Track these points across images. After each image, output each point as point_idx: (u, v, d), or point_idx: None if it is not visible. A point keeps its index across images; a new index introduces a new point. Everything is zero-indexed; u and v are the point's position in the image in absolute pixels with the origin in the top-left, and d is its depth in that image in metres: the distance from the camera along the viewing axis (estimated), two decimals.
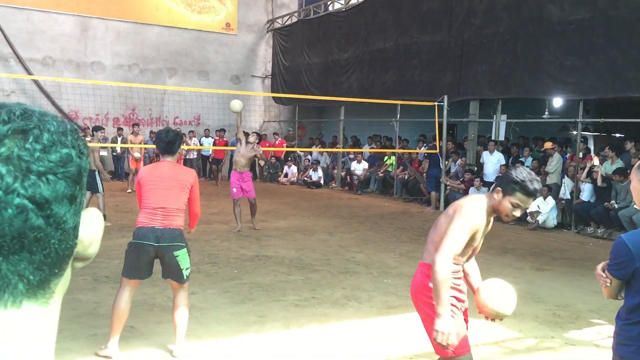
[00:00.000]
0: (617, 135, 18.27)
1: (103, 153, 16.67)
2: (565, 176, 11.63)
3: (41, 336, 0.62)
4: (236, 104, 9.32)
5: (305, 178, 17.65)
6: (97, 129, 11.67)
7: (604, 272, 2.48)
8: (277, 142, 18.96)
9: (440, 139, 13.54)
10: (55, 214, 0.59)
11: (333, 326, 5.23)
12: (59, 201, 0.59)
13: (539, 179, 3.05)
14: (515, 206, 2.99)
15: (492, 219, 3.15)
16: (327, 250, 8.46)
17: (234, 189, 9.58)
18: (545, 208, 11.10)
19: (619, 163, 10.61)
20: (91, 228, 0.67)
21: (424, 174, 14.04)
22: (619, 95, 10.79)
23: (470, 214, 3.01)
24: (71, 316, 5.11)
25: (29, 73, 16.44)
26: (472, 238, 3.05)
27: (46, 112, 0.65)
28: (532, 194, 2.96)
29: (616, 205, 10.18)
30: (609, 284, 2.46)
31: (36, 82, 16.60)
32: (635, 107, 14.86)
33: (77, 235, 0.64)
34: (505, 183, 3.02)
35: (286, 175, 18.33)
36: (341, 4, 18.28)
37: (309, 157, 18.77)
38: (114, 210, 11.40)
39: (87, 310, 5.37)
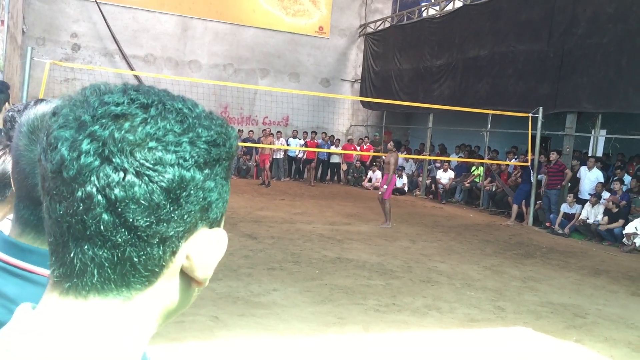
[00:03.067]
0: None
1: None
2: None
3: (112, 332, 0.55)
4: None
5: None
6: None
7: None
8: (364, 147, 18.95)
9: (533, 152, 13.08)
10: (125, 215, 0.53)
11: (413, 334, 5.17)
12: (135, 204, 0.53)
13: None
14: None
15: None
16: (409, 258, 8.37)
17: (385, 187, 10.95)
18: None
19: None
20: (204, 250, 0.58)
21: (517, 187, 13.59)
22: None
23: None
24: None
25: (132, 69, 17.32)
26: None
27: (202, 114, 0.59)
28: None
29: None
30: None
31: (137, 77, 17.45)
32: None
33: (171, 250, 0.56)
34: None
35: (370, 180, 18.30)
36: (436, 10, 18.05)
37: None
38: None
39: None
